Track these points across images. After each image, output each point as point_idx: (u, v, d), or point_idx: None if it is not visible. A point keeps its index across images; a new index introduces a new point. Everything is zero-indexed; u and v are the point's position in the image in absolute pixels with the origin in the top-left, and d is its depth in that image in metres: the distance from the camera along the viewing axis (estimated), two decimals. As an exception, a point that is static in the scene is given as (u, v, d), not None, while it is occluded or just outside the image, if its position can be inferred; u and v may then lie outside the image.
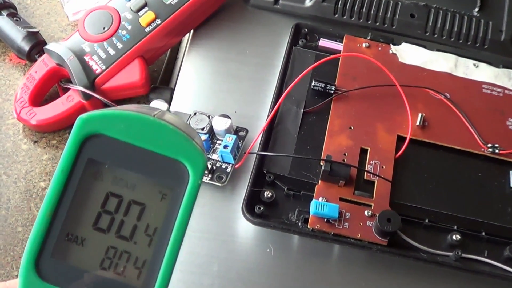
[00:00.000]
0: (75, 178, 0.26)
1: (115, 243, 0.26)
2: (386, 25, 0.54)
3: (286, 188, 0.43)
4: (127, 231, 0.26)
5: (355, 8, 0.54)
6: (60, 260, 0.25)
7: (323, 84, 0.47)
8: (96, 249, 0.26)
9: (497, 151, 0.46)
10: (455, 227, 0.43)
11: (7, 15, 0.53)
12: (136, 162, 0.26)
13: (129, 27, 0.49)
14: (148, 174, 0.26)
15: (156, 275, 0.25)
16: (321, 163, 0.43)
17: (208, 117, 0.46)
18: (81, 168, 0.26)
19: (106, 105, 0.49)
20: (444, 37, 0.53)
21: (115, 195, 0.26)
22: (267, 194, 0.42)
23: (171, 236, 0.25)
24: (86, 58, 0.49)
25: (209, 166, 0.44)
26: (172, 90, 0.51)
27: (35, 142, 0.50)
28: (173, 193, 0.26)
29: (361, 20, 0.54)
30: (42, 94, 0.51)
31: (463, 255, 0.41)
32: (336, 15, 0.54)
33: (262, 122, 0.47)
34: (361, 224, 0.41)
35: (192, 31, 0.54)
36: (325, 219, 0.41)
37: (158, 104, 0.46)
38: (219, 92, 0.50)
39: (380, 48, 0.51)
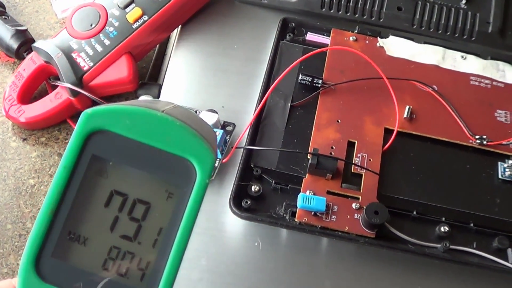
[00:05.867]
0: (79, 175, 0.25)
1: (118, 243, 0.25)
2: (373, 19, 0.54)
3: (273, 182, 0.43)
4: (131, 231, 0.25)
5: (342, 2, 0.54)
6: (61, 260, 0.24)
7: (310, 78, 0.47)
8: (99, 249, 0.25)
9: (485, 142, 0.46)
10: (443, 219, 0.43)
11: (-5, 14, 0.54)
12: (141, 159, 0.25)
13: (117, 24, 0.49)
14: (154, 172, 0.25)
15: (160, 276, 0.24)
16: (308, 157, 0.43)
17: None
18: (84, 165, 0.25)
19: (94, 102, 0.49)
20: (431, 30, 0.53)
21: (119, 193, 0.25)
22: (254, 188, 0.42)
23: (177, 237, 0.24)
24: (74, 55, 0.49)
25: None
26: (160, 86, 0.51)
27: (24, 139, 0.50)
28: (180, 192, 0.25)
29: (348, 14, 0.54)
30: (31, 92, 0.51)
31: (452, 246, 0.41)
32: (323, 9, 0.54)
33: (249, 116, 0.46)
34: (348, 217, 0.41)
35: (180, 26, 0.54)
36: (313, 212, 0.41)
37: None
38: (207, 87, 0.50)
39: (367, 42, 0.51)
